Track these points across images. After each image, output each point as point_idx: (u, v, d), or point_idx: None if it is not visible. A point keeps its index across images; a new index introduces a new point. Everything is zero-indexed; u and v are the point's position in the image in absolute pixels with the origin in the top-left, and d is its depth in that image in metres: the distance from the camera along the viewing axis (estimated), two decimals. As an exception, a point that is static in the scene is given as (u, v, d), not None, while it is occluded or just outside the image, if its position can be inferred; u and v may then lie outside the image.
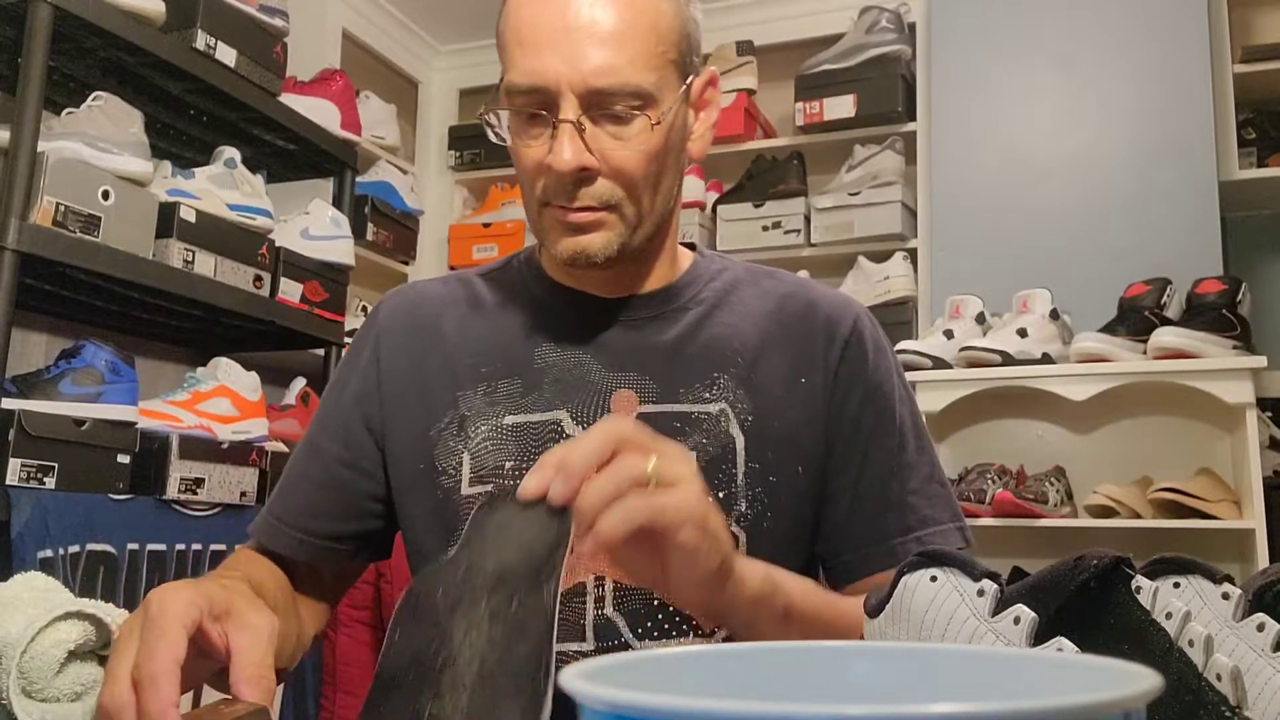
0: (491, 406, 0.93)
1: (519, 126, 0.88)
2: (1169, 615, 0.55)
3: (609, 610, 0.88)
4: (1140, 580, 0.56)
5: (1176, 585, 0.61)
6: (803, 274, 1.08)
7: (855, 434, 0.94)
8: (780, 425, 0.92)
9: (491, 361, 0.95)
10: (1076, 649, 0.52)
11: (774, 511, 0.91)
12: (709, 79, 0.94)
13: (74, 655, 0.68)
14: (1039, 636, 0.54)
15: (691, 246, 1.03)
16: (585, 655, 0.85)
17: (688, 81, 0.90)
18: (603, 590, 0.88)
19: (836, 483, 0.94)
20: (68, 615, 0.68)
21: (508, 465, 0.90)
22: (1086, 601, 0.55)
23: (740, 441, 0.91)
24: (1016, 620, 0.55)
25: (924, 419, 1.00)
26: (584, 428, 0.90)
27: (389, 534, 1.01)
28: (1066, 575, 0.55)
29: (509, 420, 0.92)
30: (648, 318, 0.95)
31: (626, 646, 0.87)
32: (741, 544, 0.90)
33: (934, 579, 0.59)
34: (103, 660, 0.70)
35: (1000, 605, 0.56)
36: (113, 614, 0.70)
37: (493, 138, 0.92)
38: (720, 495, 0.90)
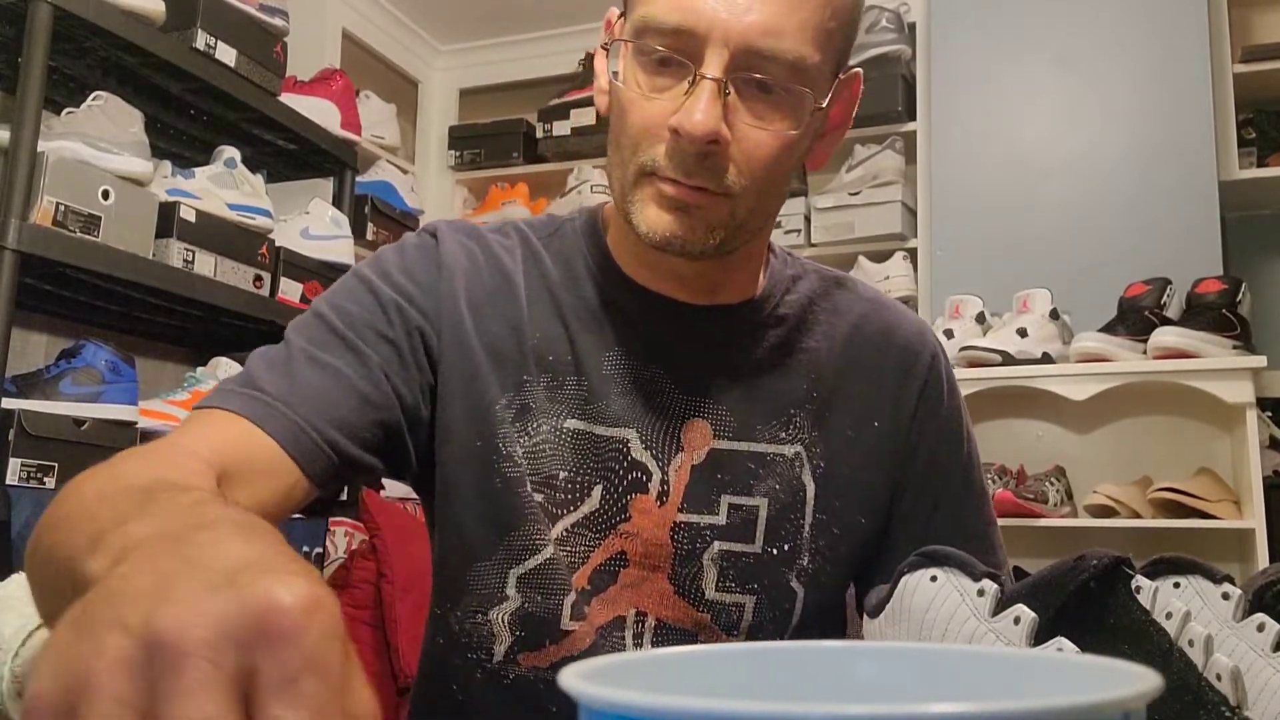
0: (553, 404, 0.82)
1: (643, 70, 0.74)
2: (1169, 615, 0.55)
3: (647, 646, 0.81)
4: (1140, 580, 0.56)
5: (1176, 585, 0.61)
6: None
7: (928, 474, 0.88)
8: (849, 472, 0.85)
9: (557, 350, 0.83)
10: (1076, 649, 0.52)
11: (833, 564, 0.85)
12: (854, 81, 0.83)
13: None
14: (1039, 636, 0.54)
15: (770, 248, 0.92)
16: None
17: (840, 75, 0.78)
18: (642, 626, 0.82)
19: (906, 522, 0.87)
20: None
21: (561, 475, 0.81)
22: (1087, 601, 0.55)
23: (810, 490, 0.84)
24: (1016, 620, 0.55)
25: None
26: (653, 453, 0.81)
27: (356, 477, 0.81)
28: (1067, 575, 0.55)
29: (570, 424, 0.82)
30: (728, 336, 0.85)
31: None
32: (799, 599, 0.84)
33: (934, 579, 0.58)
34: None
35: (1000, 605, 0.56)
36: None
37: (601, 82, 0.78)
38: (786, 547, 0.83)
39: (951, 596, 0.58)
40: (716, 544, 0.82)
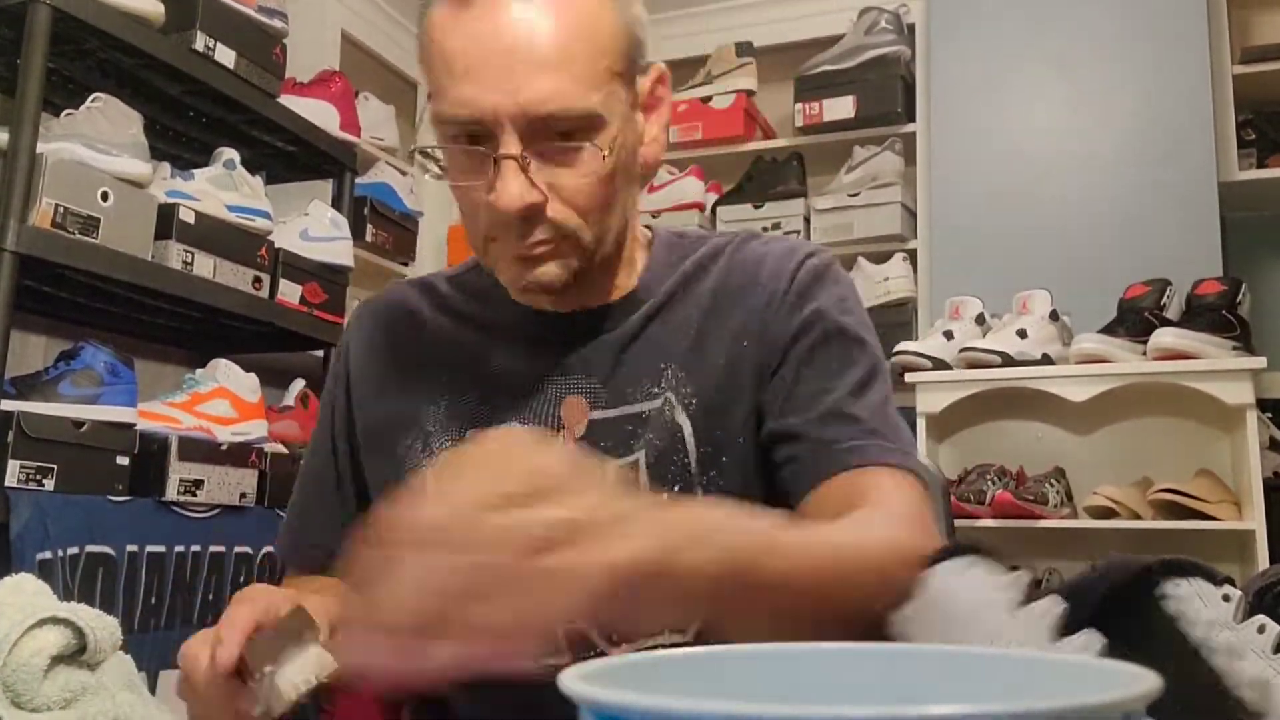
0: (451, 421, 0.90)
1: (455, 159, 0.82)
2: (1194, 621, 0.55)
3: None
4: (1167, 587, 0.56)
5: (1176, 586, 0.61)
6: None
7: (793, 352, 0.87)
8: (722, 399, 0.86)
9: (453, 373, 0.92)
10: (1104, 640, 0.52)
11: (730, 492, 0.85)
12: (656, 77, 0.87)
13: (61, 661, 0.67)
14: (1070, 632, 0.54)
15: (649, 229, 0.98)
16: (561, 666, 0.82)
17: (635, 88, 0.84)
18: None
19: (777, 398, 0.86)
20: (43, 622, 0.67)
21: None
22: (1116, 606, 0.55)
23: (688, 428, 0.86)
24: (1041, 613, 0.54)
25: (884, 361, 0.91)
26: None
27: None
28: (1096, 580, 0.55)
29: (469, 434, 0.89)
30: (601, 327, 0.90)
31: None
32: None
33: (962, 570, 0.59)
34: (92, 667, 0.69)
35: (1029, 598, 0.56)
36: (91, 620, 0.69)
37: (429, 176, 0.89)
38: (675, 488, 0.85)
39: (979, 587, 0.57)
40: None
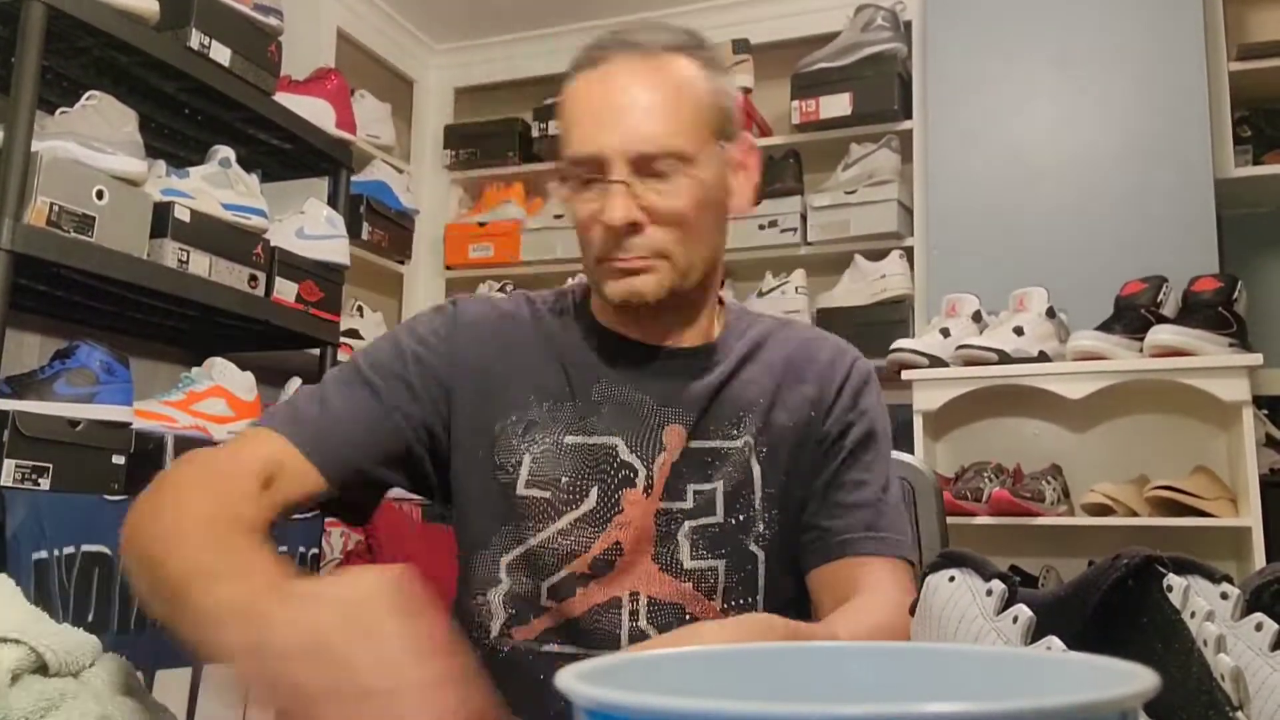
0: (554, 422, 1.03)
1: (576, 190, 1.00)
2: (1194, 614, 0.55)
3: (643, 623, 0.99)
4: (1172, 579, 0.56)
5: (1176, 581, 0.62)
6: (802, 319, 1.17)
7: (840, 441, 1.05)
8: (787, 455, 1.04)
9: (554, 386, 1.05)
10: (1065, 648, 0.53)
11: (786, 531, 1.03)
12: (748, 145, 1.07)
13: (35, 671, 0.66)
14: (1073, 637, 0.54)
15: (720, 301, 1.15)
16: None
17: (723, 145, 1.02)
18: (637, 604, 1.00)
19: (819, 479, 1.05)
20: (3, 640, 0.65)
21: (563, 480, 1.01)
22: (1122, 599, 0.56)
23: (758, 471, 1.03)
24: (1015, 619, 0.55)
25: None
26: (638, 455, 1.02)
27: (377, 501, 1.07)
28: (1102, 573, 0.56)
29: (568, 439, 1.02)
30: (688, 367, 1.06)
31: None
32: (760, 561, 1.02)
33: (952, 579, 0.60)
34: (75, 675, 0.68)
35: (1007, 604, 0.57)
36: (48, 638, 0.67)
37: (558, 203, 1.02)
38: (742, 517, 1.02)
39: (964, 596, 0.59)
40: (687, 523, 1.01)
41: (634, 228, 0.97)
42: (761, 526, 1.02)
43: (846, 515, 1.02)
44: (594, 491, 1.01)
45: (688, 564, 1.00)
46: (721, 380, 1.06)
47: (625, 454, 1.02)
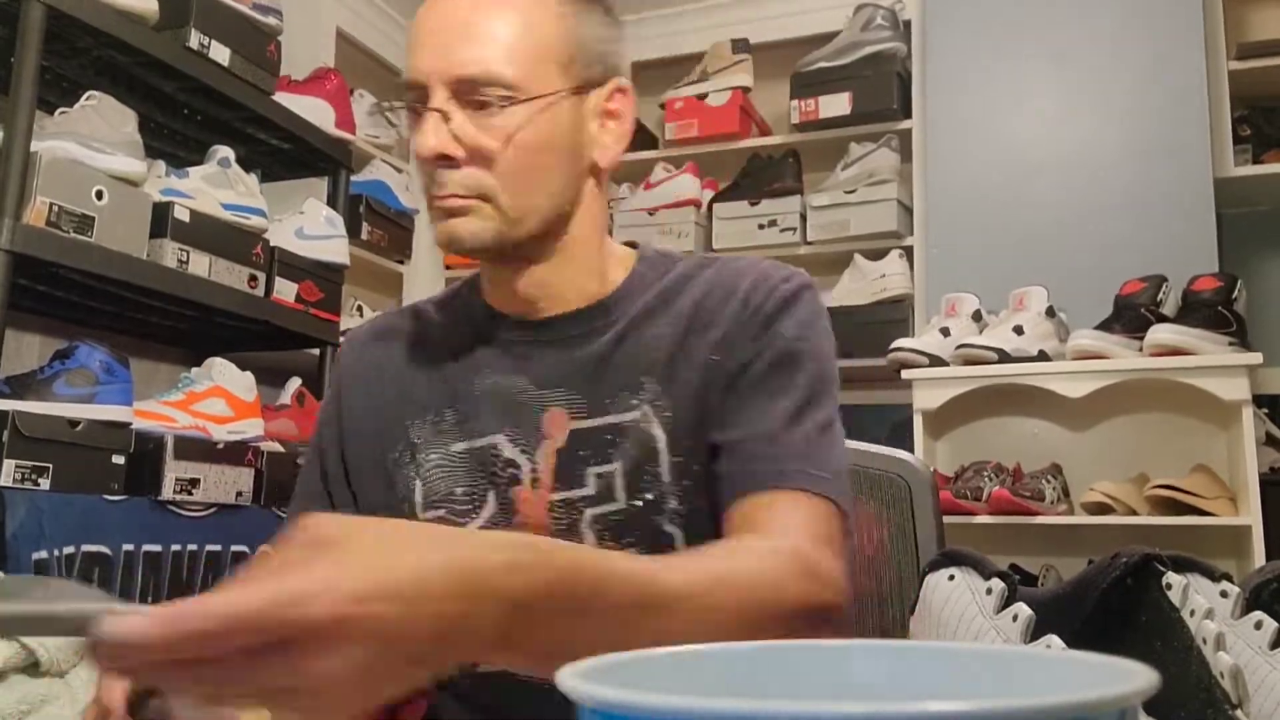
0: (439, 435, 0.96)
1: (408, 121, 0.93)
2: (1193, 612, 0.55)
3: None
4: (1171, 577, 0.57)
5: (1176, 579, 0.62)
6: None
7: (743, 376, 0.91)
8: (696, 412, 0.91)
9: (436, 391, 0.98)
10: (1064, 646, 0.53)
11: (704, 502, 0.89)
12: (615, 88, 0.95)
13: (21, 672, 0.66)
14: (1074, 636, 0.54)
15: (635, 246, 1.02)
16: None
17: (579, 86, 0.92)
18: None
19: (724, 415, 0.91)
20: None
21: (458, 491, 0.94)
22: (1121, 597, 0.56)
23: (663, 440, 0.90)
24: (1015, 617, 0.55)
25: (833, 385, 0.93)
26: (520, 448, 0.92)
27: None
28: (1102, 571, 0.56)
29: (456, 447, 0.95)
30: (575, 335, 0.95)
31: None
32: (680, 540, 0.89)
33: (952, 578, 0.60)
34: (61, 675, 0.68)
35: (1007, 603, 0.57)
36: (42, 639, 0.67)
37: (396, 134, 0.98)
38: (649, 496, 0.90)
39: (964, 594, 0.59)
40: (588, 511, 0.91)
41: (447, 160, 0.88)
42: (675, 503, 0.90)
43: (745, 449, 0.87)
44: (490, 496, 0.93)
45: None
46: (610, 345, 0.94)
47: (508, 450, 0.93)
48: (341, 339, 1.08)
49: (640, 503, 0.90)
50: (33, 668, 0.67)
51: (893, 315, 2.71)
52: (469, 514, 0.93)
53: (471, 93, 0.87)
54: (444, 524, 0.91)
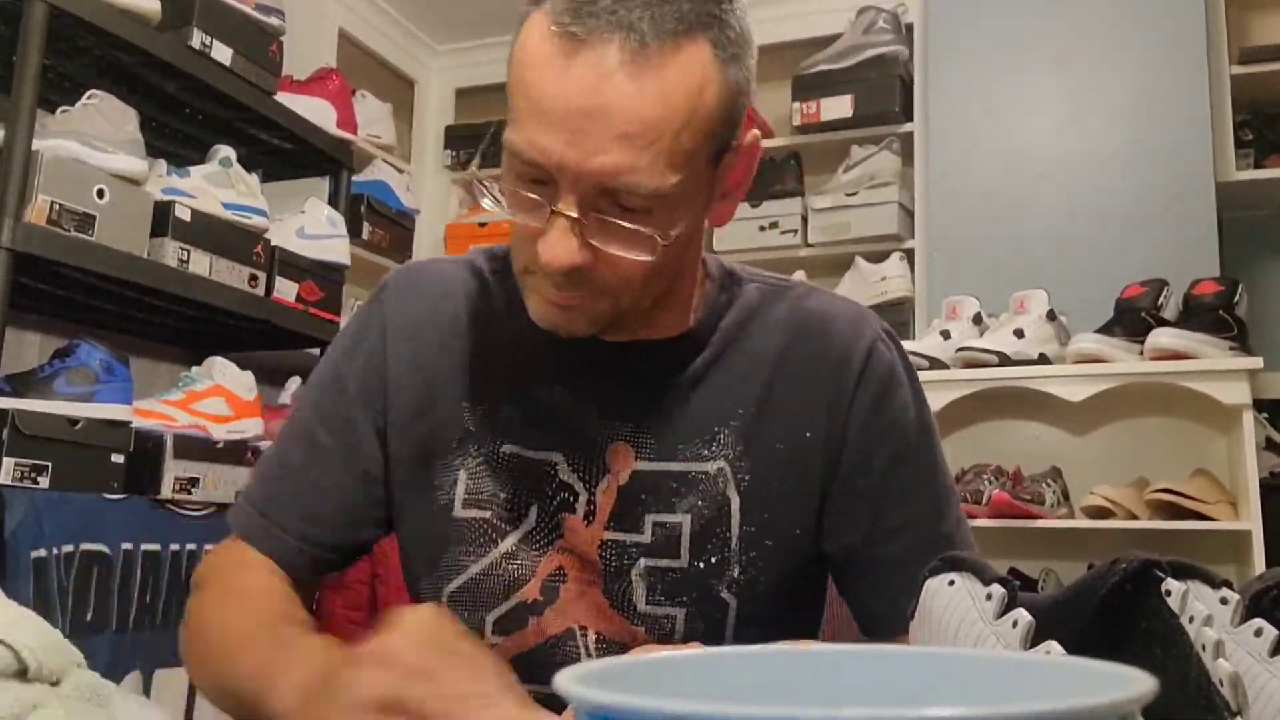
0: (490, 430, 0.87)
1: (513, 196, 0.76)
2: (1193, 619, 0.55)
3: (592, 657, 0.84)
4: (1170, 584, 0.56)
5: (1176, 585, 0.61)
6: (800, 276, 1.00)
7: (860, 479, 0.86)
8: (779, 484, 0.85)
9: (496, 379, 0.88)
10: (1064, 652, 0.52)
11: (767, 575, 0.85)
12: (752, 143, 0.81)
13: (12, 677, 0.65)
14: (1074, 642, 0.54)
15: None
16: None
17: (721, 157, 0.78)
18: (586, 639, 0.86)
19: (856, 518, 0.87)
20: None
21: (501, 496, 0.87)
22: (1121, 604, 0.56)
23: (735, 503, 0.85)
24: (1015, 623, 0.55)
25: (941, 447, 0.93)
26: (579, 475, 0.86)
27: (349, 554, 0.95)
28: (1100, 578, 0.56)
29: (506, 449, 0.87)
30: (652, 368, 0.87)
31: None
32: (731, 610, 0.85)
33: (951, 583, 0.60)
34: (55, 682, 0.68)
35: (1007, 609, 0.57)
36: (32, 641, 0.67)
37: (485, 203, 0.89)
38: (713, 560, 0.85)
39: (964, 600, 0.58)
40: (642, 560, 0.85)
41: (574, 272, 0.75)
42: (736, 571, 0.84)
43: (892, 578, 0.83)
44: (533, 510, 0.86)
45: (642, 607, 0.85)
46: (687, 385, 0.86)
47: (565, 473, 0.86)
48: (386, 281, 0.95)
49: (703, 564, 0.85)
50: (21, 674, 0.66)
51: (893, 318, 2.71)
52: (512, 522, 0.86)
53: (609, 205, 0.73)
54: (481, 525, 0.87)
